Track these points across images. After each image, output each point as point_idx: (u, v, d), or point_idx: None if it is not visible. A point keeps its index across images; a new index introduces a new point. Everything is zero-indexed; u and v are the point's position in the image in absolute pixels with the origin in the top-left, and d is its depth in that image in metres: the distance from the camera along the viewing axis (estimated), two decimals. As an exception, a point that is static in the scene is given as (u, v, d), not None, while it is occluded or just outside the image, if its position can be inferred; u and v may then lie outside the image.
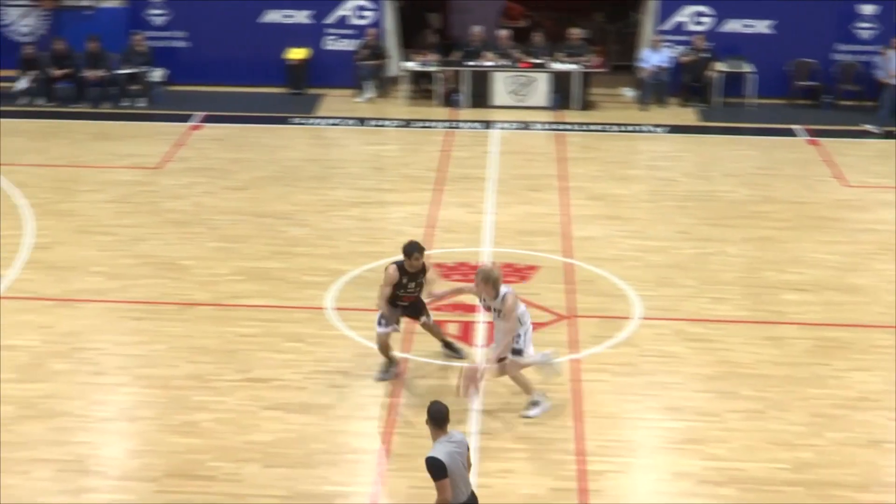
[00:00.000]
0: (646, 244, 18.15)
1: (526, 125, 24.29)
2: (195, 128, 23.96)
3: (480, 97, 25.42)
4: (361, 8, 26.53)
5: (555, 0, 29.55)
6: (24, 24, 26.68)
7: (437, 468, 9.56)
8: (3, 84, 25.91)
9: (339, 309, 15.75)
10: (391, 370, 14.20)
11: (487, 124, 24.30)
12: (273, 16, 26.61)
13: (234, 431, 12.99)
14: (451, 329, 15.22)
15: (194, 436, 12.89)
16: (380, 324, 13.98)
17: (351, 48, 26.47)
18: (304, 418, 13.24)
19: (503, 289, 12.97)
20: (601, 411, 13.40)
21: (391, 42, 26.92)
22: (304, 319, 15.58)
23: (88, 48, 25.33)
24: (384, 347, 14.10)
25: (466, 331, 15.26)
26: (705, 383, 14.03)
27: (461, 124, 24.37)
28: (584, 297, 16.23)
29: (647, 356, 14.65)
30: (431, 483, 9.49)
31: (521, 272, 16.99)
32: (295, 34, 26.57)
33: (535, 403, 13.30)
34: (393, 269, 13.79)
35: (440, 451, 9.65)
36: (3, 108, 24.98)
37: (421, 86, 26.27)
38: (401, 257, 13.80)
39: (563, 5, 29.33)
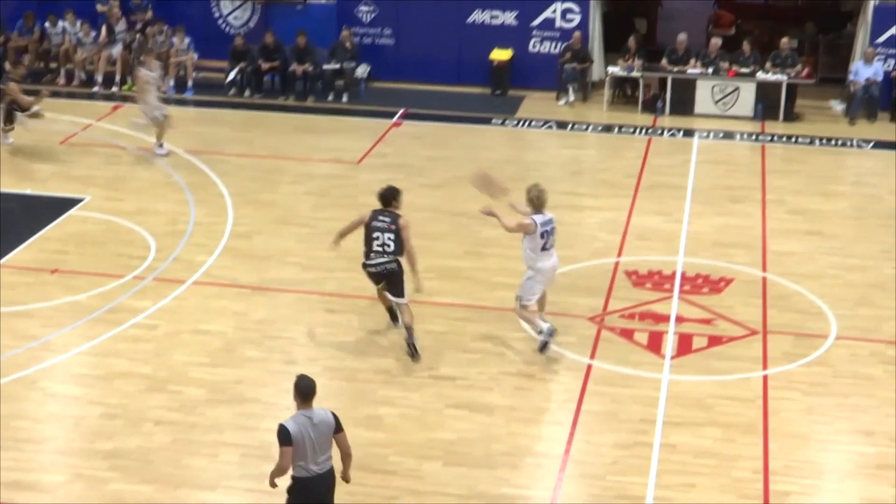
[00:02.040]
0: (846, 262, 17.62)
1: (728, 135, 23.86)
2: (396, 125, 24.18)
3: (683, 105, 25.07)
4: (567, 11, 26.42)
5: (766, 8, 28.99)
6: (236, 16, 27.31)
7: (281, 435, 9.99)
8: (214, 74, 26.58)
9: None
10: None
11: (688, 132, 23.95)
12: (479, 16, 26.70)
13: (417, 428, 13.06)
14: (640, 338, 15.08)
15: (378, 430, 13.01)
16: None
17: (555, 51, 26.39)
18: (488, 419, 13.25)
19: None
20: (789, 430, 13.07)
21: (595, 46, 26.76)
22: (493, 320, 15.58)
23: (297, 42, 25.78)
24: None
25: (653, 341, 15.06)
26: (902, 409, 13.57)
27: (662, 131, 24.07)
28: (779, 313, 15.85)
29: (840, 377, 14.23)
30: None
31: (714, 284, 16.69)
32: (500, 35, 26.60)
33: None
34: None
35: (292, 421, 10.05)
36: (213, 98, 25.64)
37: (624, 91, 26.07)
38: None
39: (774, 14, 28.77)
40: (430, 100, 25.80)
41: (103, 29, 26.78)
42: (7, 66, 25.95)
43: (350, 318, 15.66)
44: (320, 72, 25.79)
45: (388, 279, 14.70)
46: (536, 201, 14.48)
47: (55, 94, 25.50)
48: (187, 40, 26.28)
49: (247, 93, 25.93)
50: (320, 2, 27.06)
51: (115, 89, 26.15)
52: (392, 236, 14.46)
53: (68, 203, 19.50)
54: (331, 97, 25.77)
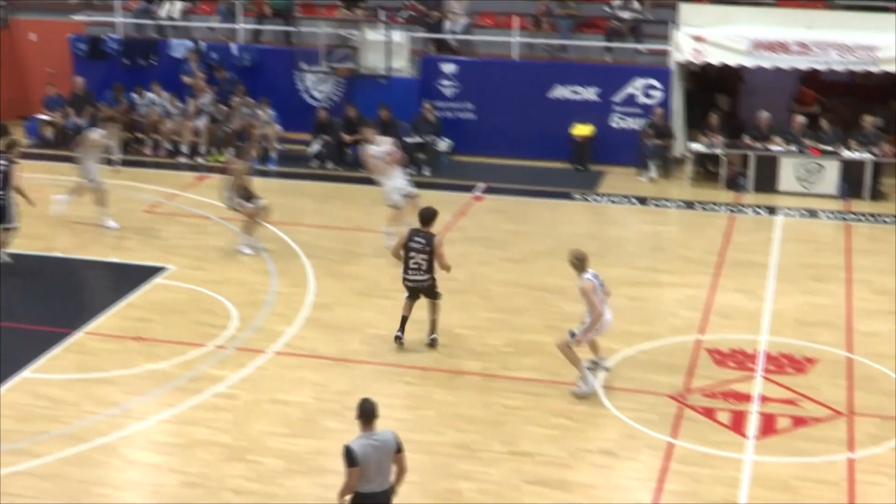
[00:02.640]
0: (934, 343, 17.34)
1: (812, 213, 23.67)
2: (477, 198, 24.25)
3: (766, 182, 24.94)
4: (649, 87, 26.45)
5: (850, 86, 28.84)
6: (320, 89, 27.61)
7: (347, 456, 10.75)
8: (296, 147, 26.86)
9: (607, 388, 15.57)
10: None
11: (772, 210, 23.80)
12: (561, 91, 26.80)
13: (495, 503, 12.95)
14: (722, 418, 14.86)
15: (456, 504, 12.93)
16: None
17: (636, 126, 26.41)
18: (567, 496, 13.09)
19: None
20: (877, 515, 12.82)
21: (677, 122, 26.72)
22: (573, 396, 15.46)
23: (380, 116, 25.99)
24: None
25: (736, 421, 14.85)
26: None
27: (745, 208, 23.93)
28: (864, 395, 15.58)
29: (929, 461, 13.94)
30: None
31: (798, 364, 16.47)
32: (581, 110, 26.68)
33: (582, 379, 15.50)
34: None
35: (357, 443, 10.80)
36: (295, 170, 25.87)
37: (706, 168, 25.96)
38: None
39: (858, 92, 28.59)
40: (512, 174, 25.86)
41: (189, 100, 27.20)
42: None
43: (429, 390, 15.62)
44: (402, 145, 25.94)
45: (424, 292, 16.66)
46: (581, 264, 15.32)
47: (140, 164, 25.88)
48: (271, 113, 26.59)
49: (329, 165, 26.15)
50: (403, 76, 27.29)
51: (199, 160, 26.49)
52: (426, 256, 16.35)
53: (153, 271, 19.73)
54: (412, 170, 25.91)
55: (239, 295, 18.75)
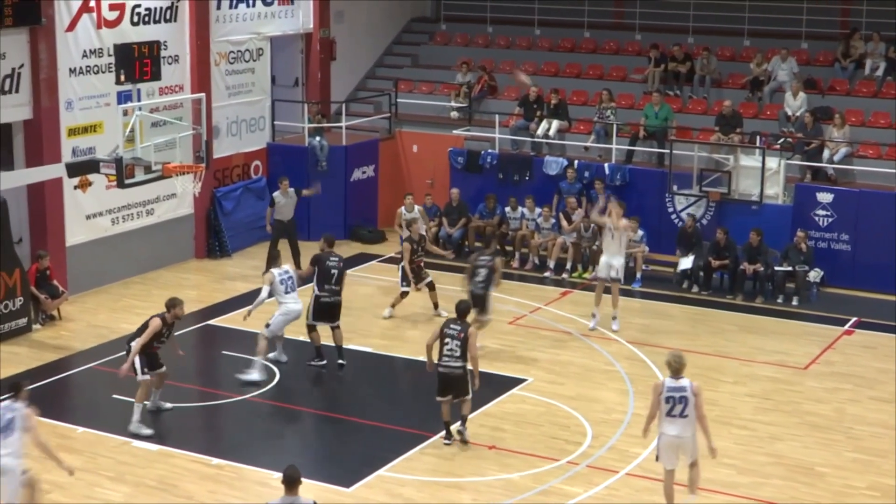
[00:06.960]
0: None
1: None
2: (847, 332, 23.35)
3: None
4: None
5: None
6: (690, 212, 27.38)
7: None
8: (662, 268, 26.70)
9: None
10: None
11: None
12: (933, 227, 25.61)
13: None
14: None
15: None
16: None
17: None
18: None
19: None
20: None
21: None
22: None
23: (749, 241, 25.51)
24: None
25: None
26: None
27: None
28: None
29: None
30: None
31: None
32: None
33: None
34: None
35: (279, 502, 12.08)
36: (660, 291, 25.68)
37: None
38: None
39: None
40: (886, 310, 24.77)
41: (562, 217, 27.50)
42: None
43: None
44: (771, 273, 25.38)
45: (455, 382, 17.15)
46: (672, 366, 15.28)
47: (508, 276, 26.29)
48: (641, 233, 26.56)
49: (694, 288, 25.83)
50: (776, 203, 26.75)
51: (565, 276, 26.69)
52: (459, 343, 16.92)
53: (511, 382, 19.91)
54: (780, 299, 25.25)
55: (594, 412, 18.65)
